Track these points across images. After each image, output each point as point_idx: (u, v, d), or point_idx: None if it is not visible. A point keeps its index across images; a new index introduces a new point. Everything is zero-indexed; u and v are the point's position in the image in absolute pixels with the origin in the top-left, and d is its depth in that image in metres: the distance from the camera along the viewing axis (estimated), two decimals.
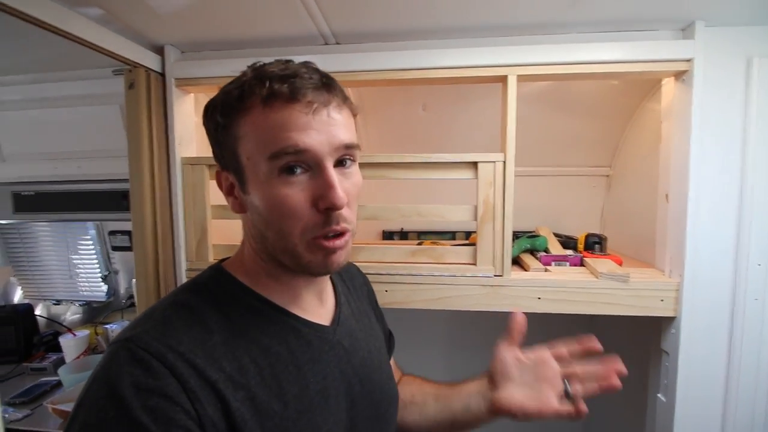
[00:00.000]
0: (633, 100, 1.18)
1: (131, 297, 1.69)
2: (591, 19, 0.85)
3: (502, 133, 0.92)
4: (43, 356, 1.53)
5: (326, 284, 0.62)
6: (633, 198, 1.23)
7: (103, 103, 1.22)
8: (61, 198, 1.43)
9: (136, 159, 0.95)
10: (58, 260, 1.69)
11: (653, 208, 0.99)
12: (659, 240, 0.97)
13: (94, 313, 1.76)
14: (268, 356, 0.49)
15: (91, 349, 1.52)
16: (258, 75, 0.48)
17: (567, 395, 0.62)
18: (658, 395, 0.93)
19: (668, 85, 0.94)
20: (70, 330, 1.56)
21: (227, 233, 1.02)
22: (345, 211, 0.49)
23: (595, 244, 1.10)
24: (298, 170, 0.47)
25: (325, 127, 0.47)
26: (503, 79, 0.90)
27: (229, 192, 0.54)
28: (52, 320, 1.72)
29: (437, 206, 0.94)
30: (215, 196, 0.96)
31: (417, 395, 0.74)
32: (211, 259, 0.99)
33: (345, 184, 0.49)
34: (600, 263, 0.96)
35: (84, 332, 1.52)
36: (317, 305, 0.59)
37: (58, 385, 1.35)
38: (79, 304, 1.74)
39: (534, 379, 0.64)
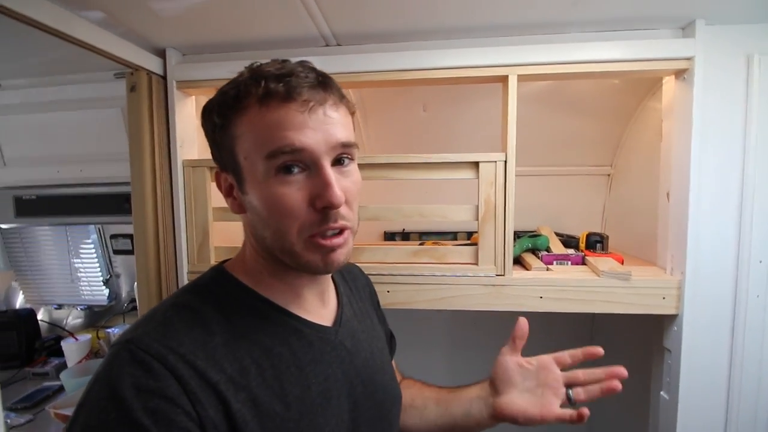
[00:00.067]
0: (634, 99, 1.18)
1: (133, 300, 1.69)
2: (591, 18, 0.86)
3: (503, 132, 0.92)
4: (45, 361, 1.53)
5: (328, 285, 0.62)
6: (634, 196, 1.23)
7: (104, 106, 1.22)
8: (62, 202, 1.43)
9: (138, 162, 0.95)
10: (59, 264, 1.69)
11: (654, 207, 0.99)
12: (661, 238, 0.97)
13: (96, 317, 1.75)
14: (269, 357, 0.49)
15: (93, 353, 1.52)
16: (254, 75, 0.48)
17: (569, 400, 0.63)
18: (661, 393, 0.93)
19: (669, 84, 0.94)
20: (71, 334, 1.56)
21: (229, 235, 1.02)
22: (343, 210, 0.49)
23: (596, 242, 1.09)
24: (296, 169, 0.47)
25: (322, 126, 0.47)
26: (504, 79, 0.90)
27: (228, 193, 0.54)
28: (53, 325, 1.71)
29: (439, 206, 0.94)
30: (217, 198, 0.96)
31: (417, 399, 0.74)
32: (213, 261, 0.99)
33: (343, 182, 0.49)
34: (601, 262, 0.96)
35: (86, 336, 1.52)
36: (319, 306, 0.59)
37: (61, 389, 1.35)
38: (81, 308, 1.74)
39: (536, 385, 0.65)
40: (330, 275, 0.63)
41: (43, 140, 1.36)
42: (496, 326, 0.93)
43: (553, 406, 0.62)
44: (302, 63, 0.50)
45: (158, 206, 0.97)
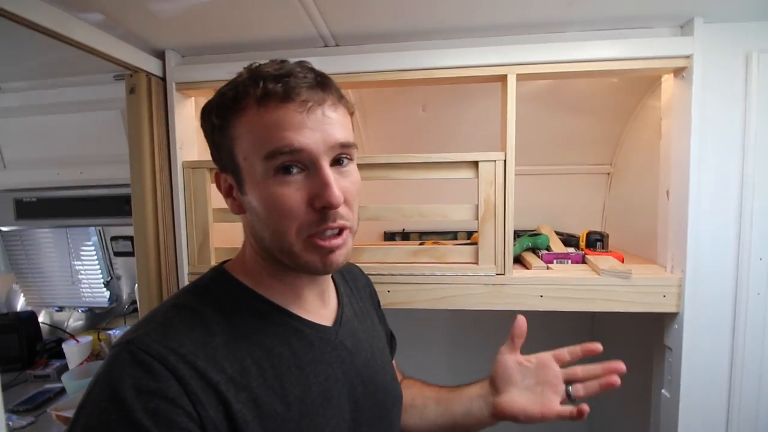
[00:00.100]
0: (633, 98, 1.18)
1: (134, 302, 1.68)
2: (590, 17, 0.86)
3: (503, 132, 0.92)
4: (47, 363, 1.53)
5: (328, 285, 0.62)
6: (634, 195, 1.23)
7: (104, 108, 1.22)
8: (63, 204, 1.43)
9: (138, 163, 0.95)
10: (60, 266, 1.69)
11: (654, 205, 0.99)
12: (661, 236, 0.97)
13: (97, 319, 1.75)
14: (270, 357, 0.49)
15: (94, 355, 1.52)
16: (252, 75, 0.48)
17: (569, 397, 0.63)
18: (662, 391, 0.93)
19: (668, 82, 0.94)
20: (73, 336, 1.56)
21: (230, 236, 1.02)
22: (342, 209, 0.49)
23: (596, 241, 1.10)
24: (294, 170, 0.47)
25: (320, 126, 0.47)
26: (503, 79, 0.90)
27: (227, 193, 0.54)
28: (55, 327, 1.71)
29: (439, 206, 0.94)
30: (217, 199, 0.96)
31: (417, 398, 0.74)
32: (213, 262, 0.99)
33: (342, 182, 0.49)
34: (602, 260, 0.96)
35: (87, 338, 1.52)
36: (319, 306, 0.59)
37: (62, 391, 1.34)
38: (82, 311, 1.74)
39: (536, 383, 0.65)
40: (330, 275, 0.63)
41: (43, 142, 1.36)
42: (496, 326, 0.93)
43: (553, 404, 0.62)
44: (301, 63, 0.50)
45: (158, 208, 0.97)
